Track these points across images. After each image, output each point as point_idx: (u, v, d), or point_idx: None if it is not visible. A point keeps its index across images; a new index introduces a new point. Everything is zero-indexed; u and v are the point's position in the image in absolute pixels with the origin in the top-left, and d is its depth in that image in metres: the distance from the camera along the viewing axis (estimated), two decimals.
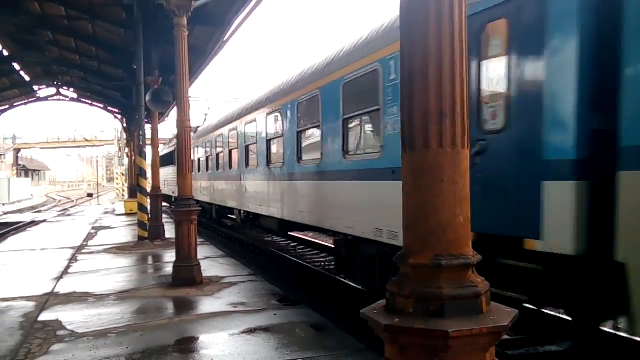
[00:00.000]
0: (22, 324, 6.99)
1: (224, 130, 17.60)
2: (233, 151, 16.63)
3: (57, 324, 6.92)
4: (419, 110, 2.21)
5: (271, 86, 13.38)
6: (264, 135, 13.14)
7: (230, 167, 17.03)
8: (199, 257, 9.61)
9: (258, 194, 13.81)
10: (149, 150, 17.34)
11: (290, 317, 7.00)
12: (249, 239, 18.30)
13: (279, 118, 12.07)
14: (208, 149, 20.64)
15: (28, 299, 8.43)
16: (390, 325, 2.15)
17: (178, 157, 9.67)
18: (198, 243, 9.81)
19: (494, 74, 5.61)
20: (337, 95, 8.97)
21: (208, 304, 7.89)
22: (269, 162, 12.88)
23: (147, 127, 18.25)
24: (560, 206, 4.73)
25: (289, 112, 11.42)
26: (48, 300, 8.33)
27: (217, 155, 18.83)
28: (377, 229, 7.61)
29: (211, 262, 11.41)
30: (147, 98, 15.07)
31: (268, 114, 12.87)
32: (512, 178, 5.30)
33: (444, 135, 2.17)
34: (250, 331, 6.40)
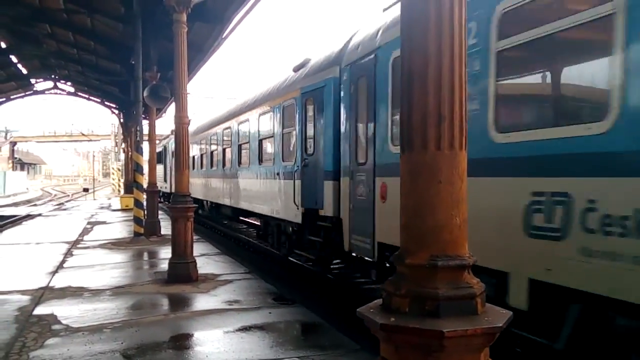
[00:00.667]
0: (17, 317, 6.98)
1: (196, 138, 23.16)
2: (204, 155, 22.61)
3: (52, 318, 6.91)
4: (417, 111, 2.22)
5: (221, 111, 20.17)
6: (220, 147, 18.98)
7: (202, 167, 22.97)
8: (194, 254, 9.62)
9: (217, 188, 19.50)
10: (145, 146, 17.32)
11: (285, 316, 7.01)
12: (245, 237, 18.35)
13: (228, 133, 17.43)
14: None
15: (23, 292, 8.42)
16: (386, 324, 2.17)
17: (175, 153, 9.67)
18: (194, 240, 9.81)
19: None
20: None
21: (203, 301, 7.90)
22: (224, 164, 18.34)
23: (145, 123, 18.26)
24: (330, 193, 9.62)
25: (230, 130, 17.29)
26: (43, 294, 8.32)
27: (193, 157, 23.88)
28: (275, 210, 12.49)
29: (207, 260, 11.42)
30: (145, 94, 15.03)
31: (224, 129, 18.21)
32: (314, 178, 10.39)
33: (442, 137, 2.18)
34: (245, 329, 6.41)
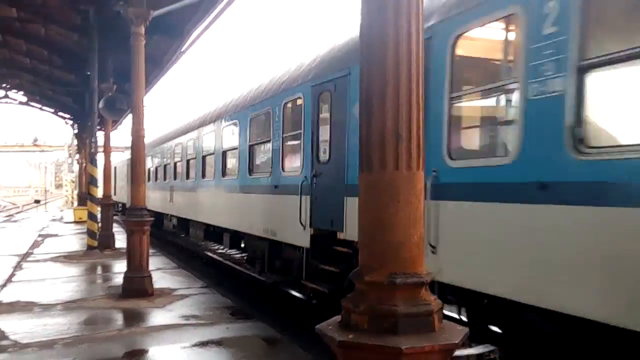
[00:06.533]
0: None
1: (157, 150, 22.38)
2: (159, 168, 21.93)
3: (0, 334, 6.70)
4: (376, 131, 2.27)
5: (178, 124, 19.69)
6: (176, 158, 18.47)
7: (156, 179, 22.31)
8: (150, 268, 9.47)
9: (184, 202, 17.66)
10: (100, 158, 17.01)
11: (242, 331, 6.96)
12: (202, 250, 18.12)
13: (210, 137, 14.43)
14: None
15: None
16: (344, 341, 2.20)
17: (132, 167, 9.52)
18: (150, 254, 9.66)
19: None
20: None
21: (159, 316, 7.78)
22: (187, 176, 16.95)
23: (100, 134, 17.93)
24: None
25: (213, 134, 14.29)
26: None
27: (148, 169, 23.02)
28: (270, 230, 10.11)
29: (163, 274, 11.25)
30: (101, 105, 14.79)
31: (176, 143, 18.28)
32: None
33: (400, 157, 2.24)
34: (202, 344, 6.34)
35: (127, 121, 23.42)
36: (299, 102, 9.14)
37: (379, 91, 2.27)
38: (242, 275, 13.64)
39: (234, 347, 6.31)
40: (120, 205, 31.92)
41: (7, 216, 36.85)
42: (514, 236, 4.71)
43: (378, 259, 2.28)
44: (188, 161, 16.85)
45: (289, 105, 9.64)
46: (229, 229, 12.70)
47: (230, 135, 12.82)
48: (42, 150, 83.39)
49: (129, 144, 9.80)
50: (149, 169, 23.09)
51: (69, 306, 8.33)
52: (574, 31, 4.13)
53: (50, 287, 9.82)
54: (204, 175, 14.91)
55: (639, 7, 4.13)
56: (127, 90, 14.51)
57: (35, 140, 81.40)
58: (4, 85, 31.06)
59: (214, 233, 14.55)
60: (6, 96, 32.45)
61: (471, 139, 6.43)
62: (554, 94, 4.30)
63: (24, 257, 13.89)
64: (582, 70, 4.09)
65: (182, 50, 15.22)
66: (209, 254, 17.49)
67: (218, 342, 6.43)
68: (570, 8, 4.16)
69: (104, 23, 14.50)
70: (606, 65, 4.05)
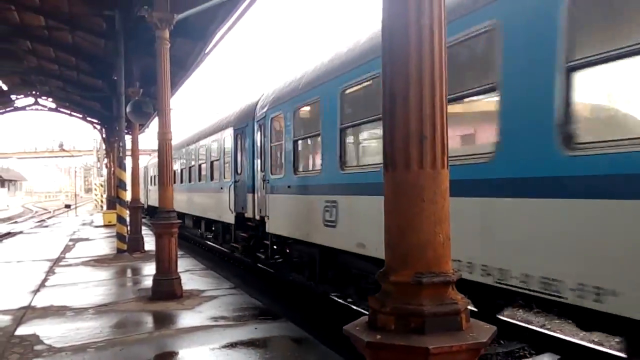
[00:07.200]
0: None
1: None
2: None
3: (35, 338, 6.83)
4: (400, 131, 2.26)
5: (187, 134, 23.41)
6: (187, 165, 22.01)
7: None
8: (179, 270, 9.57)
9: (183, 200, 21.36)
10: (128, 162, 17.23)
11: (271, 331, 6.99)
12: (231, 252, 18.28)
13: (193, 152, 20.70)
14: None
15: (4, 312, 8.31)
16: (372, 342, 2.19)
17: (159, 169, 9.62)
18: (178, 256, 9.76)
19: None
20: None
21: (188, 318, 7.85)
22: (190, 179, 21.31)
23: (127, 138, 18.16)
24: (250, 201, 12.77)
25: (194, 150, 20.48)
26: (25, 314, 8.22)
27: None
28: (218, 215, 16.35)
29: (191, 275, 11.36)
30: (128, 109, 14.98)
31: (188, 150, 21.81)
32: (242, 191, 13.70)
33: (425, 156, 2.23)
34: (231, 345, 6.38)
35: (154, 124, 23.77)
36: (229, 137, 15.14)
37: (401, 91, 2.26)
38: (269, 275, 13.71)
39: (263, 347, 6.35)
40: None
41: (39, 221, 37.58)
42: (299, 207, 9.69)
43: (403, 259, 2.28)
44: (183, 170, 22.79)
45: (225, 137, 15.66)
46: (204, 217, 18.77)
47: (203, 153, 19.04)
48: (72, 155, 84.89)
49: (156, 147, 9.92)
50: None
51: (100, 310, 8.46)
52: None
53: (82, 291, 9.98)
54: (190, 180, 21.20)
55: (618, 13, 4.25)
56: (153, 93, 14.72)
57: (61, 145, 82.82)
58: (33, 92, 31.68)
59: (198, 221, 20.27)
60: (36, 102, 33.11)
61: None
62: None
63: (56, 261, 14.14)
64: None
65: (206, 52, 15.34)
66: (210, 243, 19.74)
67: (247, 343, 6.46)
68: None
69: (129, 28, 14.71)
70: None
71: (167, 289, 9.18)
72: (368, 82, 7.34)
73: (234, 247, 15.04)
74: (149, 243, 15.39)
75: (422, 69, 2.22)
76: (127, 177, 16.98)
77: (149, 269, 11.39)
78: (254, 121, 12.58)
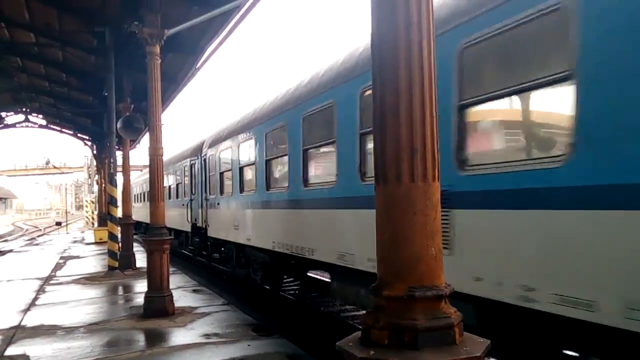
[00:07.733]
0: None
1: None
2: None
3: (25, 359, 6.75)
4: (390, 146, 2.26)
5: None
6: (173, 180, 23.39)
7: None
8: (171, 287, 9.50)
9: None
10: (119, 178, 17.17)
11: (264, 348, 6.93)
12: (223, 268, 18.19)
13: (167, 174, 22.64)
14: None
15: None
16: (365, 358, 2.17)
17: (150, 185, 9.57)
18: (170, 272, 9.69)
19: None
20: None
21: (181, 335, 7.78)
22: (184, 194, 22.37)
23: (118, 154, 18.11)
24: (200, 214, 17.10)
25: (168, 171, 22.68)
26: (15, 333, 8.13)
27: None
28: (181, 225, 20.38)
29: (183, 292, 11.28)
30: (119, 125, 14.95)
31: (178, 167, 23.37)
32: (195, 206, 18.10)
33: (415, 169, 2.22)
34: None
35: (145, 140, 23.73)
36: (187, 165, 19.25)
37: (392, 107, 2.26)
38: (262, 291, 13.64)
39: None
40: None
41: (29, 239, 37.28)
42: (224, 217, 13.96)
43: (396, 273, 2.26)
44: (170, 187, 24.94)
45: (185, 165, 19.77)
46: (172, 228, 20.89)
47: (172, 175, 22.78)
48: (62, 172, 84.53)
49: (147, 162, 9.88)
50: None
51: (91, 328, 8.37)
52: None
53: (73, 310, 9.88)
54: (168, 197, 23.41)
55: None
56: (144, 108, 14.68)
57: (48, 162, 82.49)
58: (24, 109, 31.56)
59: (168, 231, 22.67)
60: (27, 119, 32.93)
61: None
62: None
63: (47, 280, 14.01)
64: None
65: (197, 67, 15.34)
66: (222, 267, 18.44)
67: None
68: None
69: (120, 43, 14.70)
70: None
71: (159, 306, 9.10)
72: (256, 136, 11.31)
73: (191, 249, 20.24)
74: (141, 260, 15.29)
75: (412, 81, 2.22)
76: (119, 194, 16.90)
77: (141, 286, 11.30)
78: (201, 155, 16.93)
